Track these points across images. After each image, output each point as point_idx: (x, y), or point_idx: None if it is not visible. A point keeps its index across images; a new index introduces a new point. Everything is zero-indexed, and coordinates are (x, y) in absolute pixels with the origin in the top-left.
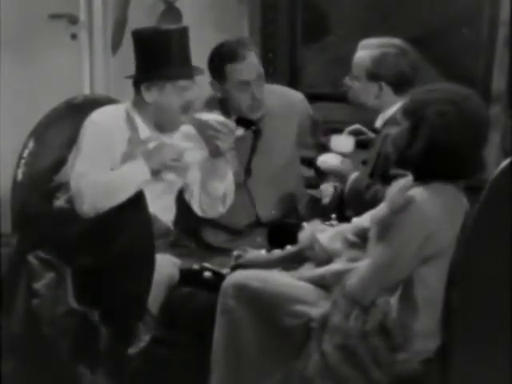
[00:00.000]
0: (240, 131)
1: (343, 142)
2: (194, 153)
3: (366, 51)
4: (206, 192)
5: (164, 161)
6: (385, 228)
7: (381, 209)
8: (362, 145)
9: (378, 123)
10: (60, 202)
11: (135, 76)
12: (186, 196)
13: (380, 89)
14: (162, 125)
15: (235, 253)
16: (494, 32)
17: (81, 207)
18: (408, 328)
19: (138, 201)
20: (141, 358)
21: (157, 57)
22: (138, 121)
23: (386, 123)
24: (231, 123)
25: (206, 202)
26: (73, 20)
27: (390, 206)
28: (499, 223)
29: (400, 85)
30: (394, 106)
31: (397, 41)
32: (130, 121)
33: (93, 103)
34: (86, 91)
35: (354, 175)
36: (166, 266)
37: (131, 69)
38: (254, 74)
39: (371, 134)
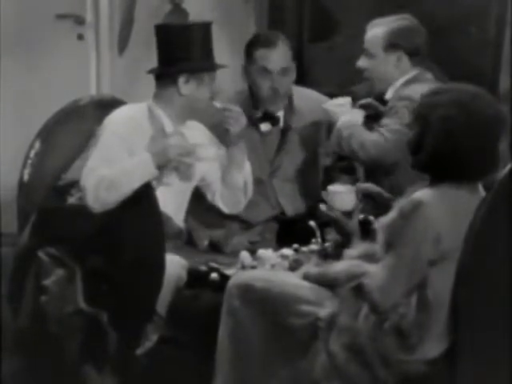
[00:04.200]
0: (267, 126)
1: (354, 113)
2: (207, 149)
3: (378, 28)
4: (227, 184)
5: (170, 156)
6: (394, 233)
7: (388, 216)
8: (373, 118)
9: (388, 95)
10: (73, 199)
11: (166, 70)
12: (209, 196)
13: (399, 59)
14: (194, 116)
15: (243, 253)
16: (501, 31)
17: (87, 202)
18: (424, 328)
19: (149, 202)
20: (147, 357)
21: (196, 50)
22: (163, 116)
23: (394, 95)
24: (237, 108)
25: (228, 195)
26: (79, 20)
27: (399, 209)
28: (506, 223)
29: (416, 54)
30: (402, 78)
31: (407, 16)
32: (153, 117)
33: (99, 104)
34: (93, 92)
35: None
36: (176, 267)
37: (138, 69)
38: (278, 65)
39: (382, 108)
